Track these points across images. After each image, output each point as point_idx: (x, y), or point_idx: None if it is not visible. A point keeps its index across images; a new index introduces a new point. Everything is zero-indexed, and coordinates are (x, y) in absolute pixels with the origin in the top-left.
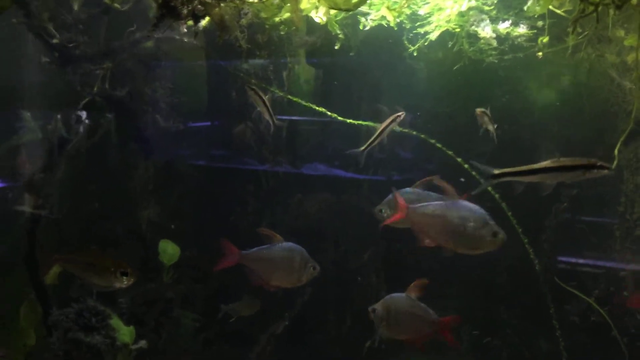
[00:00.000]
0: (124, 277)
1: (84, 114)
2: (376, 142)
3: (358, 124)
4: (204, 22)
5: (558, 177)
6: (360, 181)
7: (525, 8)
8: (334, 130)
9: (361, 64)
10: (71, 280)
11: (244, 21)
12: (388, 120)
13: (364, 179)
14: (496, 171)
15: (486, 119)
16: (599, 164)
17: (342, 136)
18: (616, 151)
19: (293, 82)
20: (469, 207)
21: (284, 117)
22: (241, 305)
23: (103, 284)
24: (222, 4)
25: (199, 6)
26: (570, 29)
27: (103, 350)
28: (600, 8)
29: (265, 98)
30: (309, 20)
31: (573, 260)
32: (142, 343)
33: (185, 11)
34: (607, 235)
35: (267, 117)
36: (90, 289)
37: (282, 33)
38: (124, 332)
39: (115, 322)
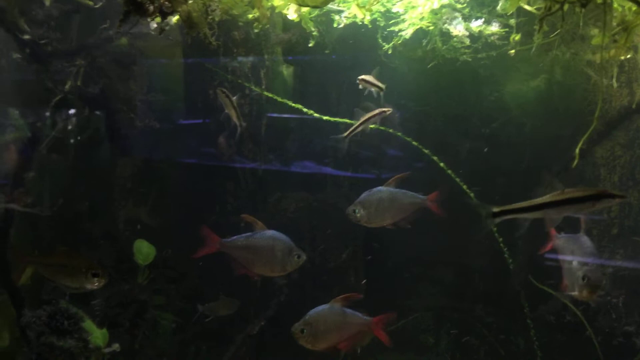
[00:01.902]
0: (95, 278)
1: (70, 112)
2: (358, 129)
3: (334, 121)
4: (174, 19)
5: (564, 210)
6: (341, 179)
7: (498, 8)
8: (317, 128)
9: (338, 62)
10: (45, 282)
11: (215, 18)
12: (374, 112)
13: (346, 177)
14: (495, 209)
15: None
16: (609, 192)
17: (326, 134)
18: (577, 150)
19: (271, 80)
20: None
21: (273, 115)
22: (218, 305)
23: (74, 286)
24: (189, 1)
25: (166, 3)
26: (537, 27)
27: (76, 354)
28: (567, 6)
29: (234, 100)
30: (285, 18)
31: (550, 258)
32: (115, 346)
33: (152, 8)
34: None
35: (234, 119)
36: (63, 290)
37: (256, 30)
38: (97, 335)
39: (88, 324)
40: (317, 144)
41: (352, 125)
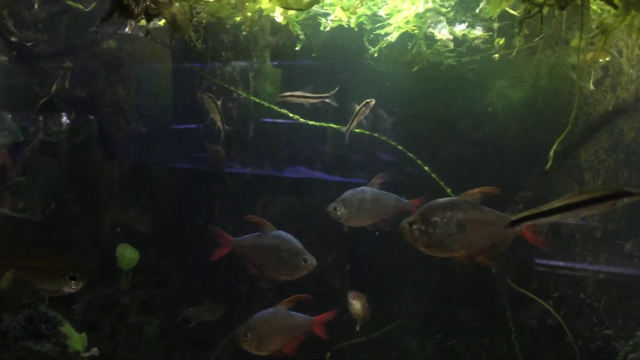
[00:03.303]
0: (73, 281)
1: (57, 115)
2: (354, 124)
3: (320, 125)
4: (161, 22)
5: (583, 211)
6: (328, 183)
7: (477, 10)
8: (305, 132)
9: (326, 65)
10: (24, 286)
11: (202, 21)
12: (361, 105)
13: (334, 181)
14: (513, 217)
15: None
16: (629, 190)
17: (315, 138)
18: (551, 152)
19: (259, 84)
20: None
21: (262, 119)
22: (203, 310)
23: (52, 289)
24: (175, 3)
25: (151, 5)
26: (517, 30)
27: (54, 358)
28: (546, 9)
29: (219, 104)
30: (274, 21)
31: (533, 262)
32: (94, 351)
33: (137, 9)
34: (568, 238)
35: (219, 123)
36: (42, 294)
37: (244, 33)
38: (76, 340)
39: (67, 329)
40: (305, 148)
41: (338, 130)
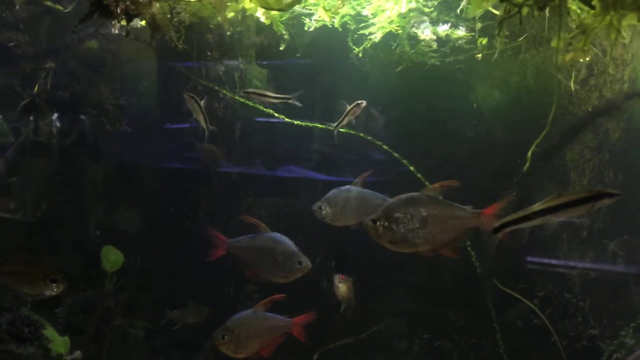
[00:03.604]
0: (54, 284)
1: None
2: (344, 122)
3: (306, 125)
4: (142, 22)
5: (564, 214)
6: (315, 183)
7: (458, 10)
8: (293, 132)
9: (311, 65)
10: (6, 290)
11: (185, 21)
12: (352, 105)
13: (321, 181)
14: (496, 223)
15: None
16: (607, 192)
17: (302, 138)
18: (529, 154)
19: (245, 84)
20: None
21: (248, 119)
22: (187, 313)
23: (33, 292)
24: (155, 3)
25: (131, 5)
26: (497, 31)
27: None
28: (526, 10)
29: (202, 104)
30: (259, 21)
31: (520, 262)
32: (77, 354)
33: (117, 10)
34: (554, 237)
35: (202, 123)
36: (24, 298)
37: (228, 33)
38: (58, 343)
39: (50, 332)
40: (293, 148)
41: (324, 129)
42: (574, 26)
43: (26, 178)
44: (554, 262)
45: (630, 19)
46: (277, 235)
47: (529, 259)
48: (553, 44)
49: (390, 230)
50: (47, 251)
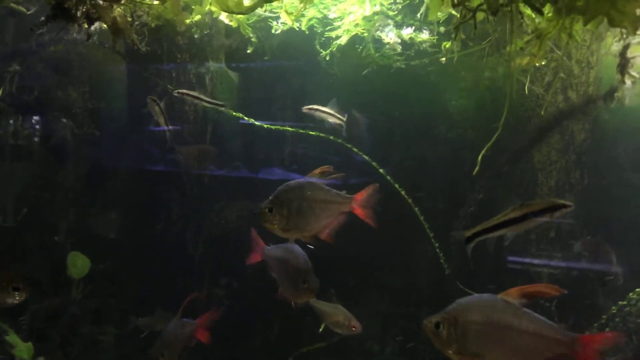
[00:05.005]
0: (16, 292)
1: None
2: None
3: (276, 128)
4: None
5: (528, 224)
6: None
7: (418, 15)
8: (265, 135)
9: (282, 68)
10: None
11: (151, 24)
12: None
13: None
14: (467, 234)
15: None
16: (564, 203)
17: (274, 140)
18: (479, 157)
19: (215, 86)
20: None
21: (219, 122)
22: (154, 320)
23: None
24: (115, 7)
25: (92, 9)
26: (453, 35)
27: None
28: (482, 14)
29: (162, 106)
30: (228, 24)
31: (489, 263)
32: (41, 359)
33: (78, 13)
34: (523, 238)
35: (163, 124)
36: None
37: (196, 36)
38: (21, 349)
39: (12, 338)
40: (266, 150)
41: (296, 132)
42: (529, 31)
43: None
44: (523, 261)
45: (581, 24)
46: (290, 246)
47: (499, 259)
48: (507, 48)
49: (283, 216)
50: (14, 257)
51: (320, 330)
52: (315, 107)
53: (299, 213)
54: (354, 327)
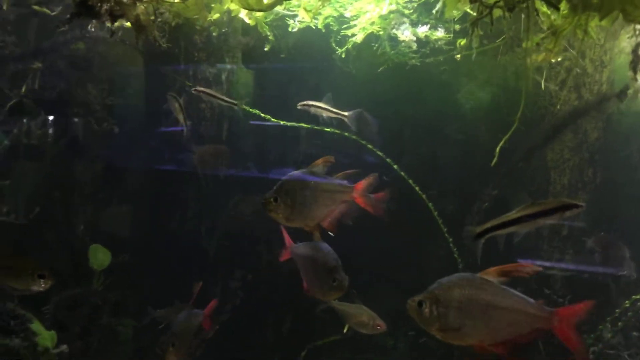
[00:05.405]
0: (42, 280)
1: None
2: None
3: (292, 125)
4: (128, 23)
5: (539, 222)
6: None
7: (434, 11)
8: (281, 133)
9: (297, 66)
10: None
11: (171, 22)
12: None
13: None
14: (478, 230)
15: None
16: (575, 203)
17: (289, 138)
18: (497, 149)
19: (232, 84)
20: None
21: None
22: (172, 312)
23: (20, 287)
24: (138, 4)
25: (116, 6)
26: (470, 31)
27: (22, 354)
28: (498, 11)
29: (182, 103)
30: (245, 22)
31: (500, 260)
32: (63, 347)
33: (102, 10)
34: (535, 236)
35: (182, 121)
36: (10, 293)
37: (214, 34)
38: (45, 337)
39: (36, 326)
40: (282, 148)
41: (310, 129)
42: (545, 27)
43: (18, 180)
44: (536, 259)
45: (597, 20)
46: (319, 244)
47: (513, 256)
48: (523, 44)
49: (288, 206)
50: (36, 250)
51: (345, 331)
52: (311, 102)
53: (302, 202)
54: (378, 326)
